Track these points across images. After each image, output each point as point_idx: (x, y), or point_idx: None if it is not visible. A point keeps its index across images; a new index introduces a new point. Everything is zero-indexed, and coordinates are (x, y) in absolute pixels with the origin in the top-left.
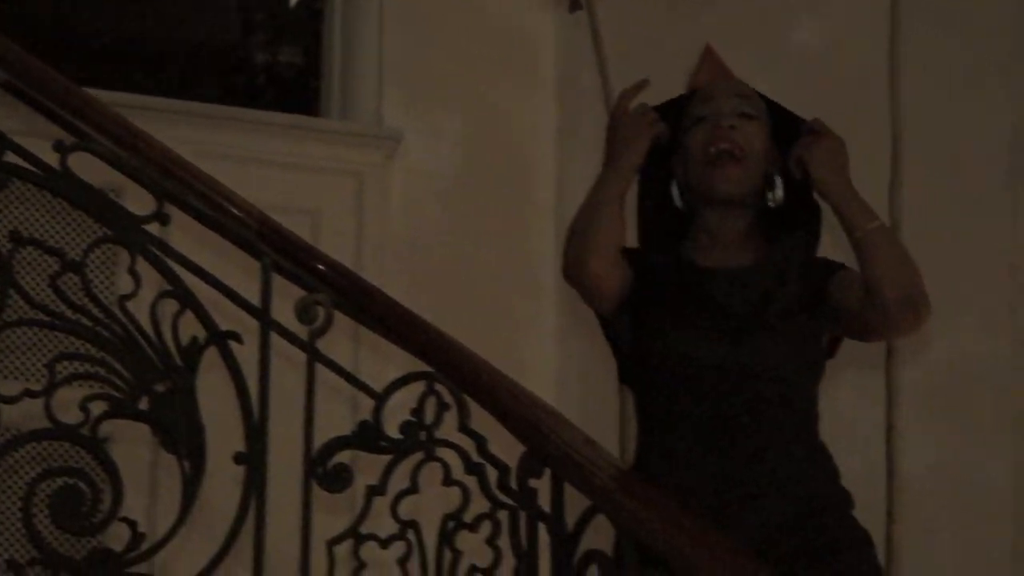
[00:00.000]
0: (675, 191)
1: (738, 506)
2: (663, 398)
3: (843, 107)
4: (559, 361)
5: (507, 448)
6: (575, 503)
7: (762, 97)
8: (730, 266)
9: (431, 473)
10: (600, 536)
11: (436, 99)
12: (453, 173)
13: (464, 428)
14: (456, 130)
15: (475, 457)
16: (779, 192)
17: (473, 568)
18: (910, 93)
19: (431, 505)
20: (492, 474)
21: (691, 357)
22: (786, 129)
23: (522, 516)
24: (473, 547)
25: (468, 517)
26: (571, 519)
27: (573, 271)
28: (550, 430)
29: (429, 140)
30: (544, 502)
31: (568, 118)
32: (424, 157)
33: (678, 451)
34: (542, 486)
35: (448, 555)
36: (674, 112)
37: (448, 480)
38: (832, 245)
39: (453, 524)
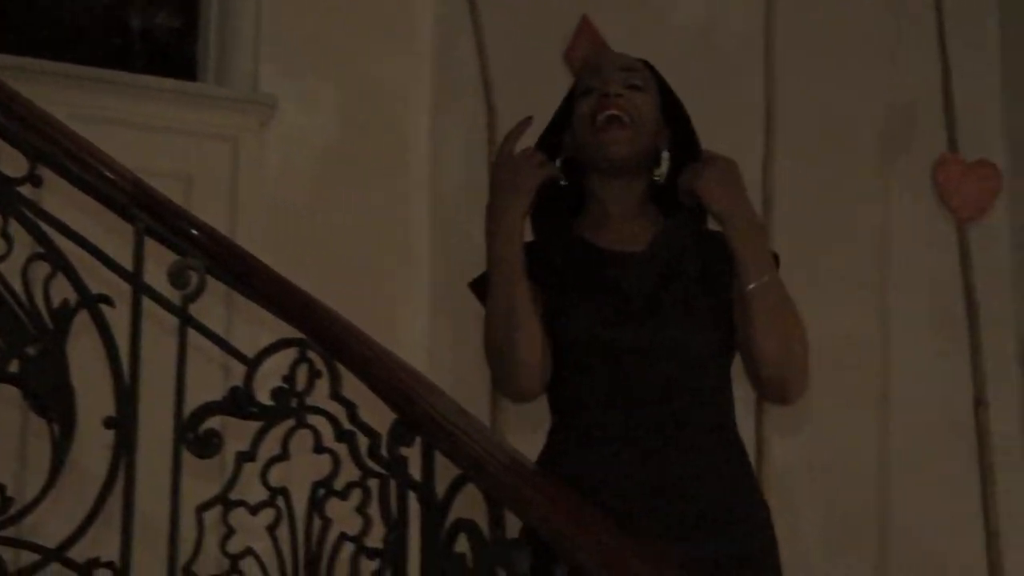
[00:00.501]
0: (558, 166)
1: (653, 496)
2: (573, 383)
3: (719, 84)
4: (431, 330)
5: (379, 416)
6: (446, 472)
7: (652, 72)
8: (627, 248)
9: (302, 440)
10: (471, 506)
11: (312, 66)
12: (328, 140)
13: (335, 395)
14: (332, 97)
15: (346, 425)
16: (665, 166)
17: (343, 536)
18: (785, 71)
19: (301, 472)
20: (363, 442)
21: (598, 339)
22: (673, 107)
23: (392, 484)
24: (343, 515)
25: (338, 485)
26: (442, 488)
27: (505, 393)
28: (421, 398)
29: (305, 107)
30: (415, 470)
31: (444, 87)
32: (299, 124)
33: (592, 436)
34: (413, 454)
35: (318, 522)
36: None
37: (319, 447)
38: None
39: (323, 491)
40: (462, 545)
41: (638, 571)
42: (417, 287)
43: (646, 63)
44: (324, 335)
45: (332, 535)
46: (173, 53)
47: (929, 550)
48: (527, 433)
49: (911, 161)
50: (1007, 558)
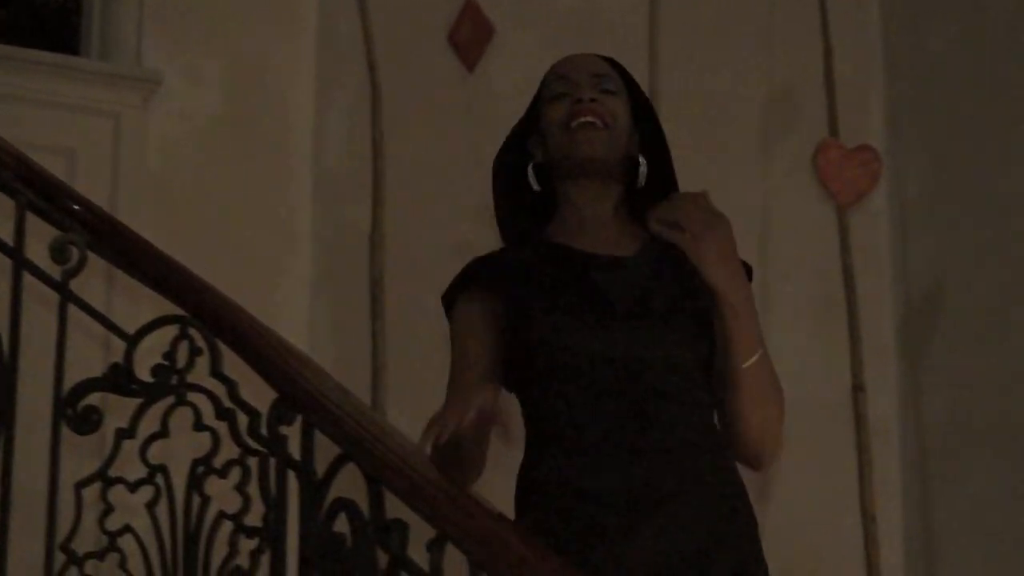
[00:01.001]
0: (531, 173)
1: (638, 510)
2: (552, 392)
3: None
4: (312, 309)
5: (260, 394)
6: (328, 451)
7: (621, 73)
8: (610, 253)
9: (182, 417)
10: (351, 485)
11: (197, 42)
12: (212, 117)
13: (216, 373)
14: (216, 74)
15: (226, 402)
16: (644, 169)
17: (222, 514)
18: (667, 54)
19: (181, 450)
20: (243, 420)
21: (581, 347)
22: (642, 109)
23: (272, 463)
24: (222, 493)
25: (218, 462)
26: (322, 467)
27: None
28: (301, 376)
29: (188, 83)
30: (295, 449)
31: (329, 66)
32: (183, 100)
33: (575, 448)
34: (293, 433)
35: (197, 500)
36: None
37: (199, 425)
38: None
39: (202, 469)
40: (341, 525)
41: (518, 551)
42: (298, 265)
43: (614, 63)
44: (205, 312)
45: (211, 513)
46: (59, 27)
47: (806, 533)
48: (408, 412)
49: (792, 145)
50: (882, 541)
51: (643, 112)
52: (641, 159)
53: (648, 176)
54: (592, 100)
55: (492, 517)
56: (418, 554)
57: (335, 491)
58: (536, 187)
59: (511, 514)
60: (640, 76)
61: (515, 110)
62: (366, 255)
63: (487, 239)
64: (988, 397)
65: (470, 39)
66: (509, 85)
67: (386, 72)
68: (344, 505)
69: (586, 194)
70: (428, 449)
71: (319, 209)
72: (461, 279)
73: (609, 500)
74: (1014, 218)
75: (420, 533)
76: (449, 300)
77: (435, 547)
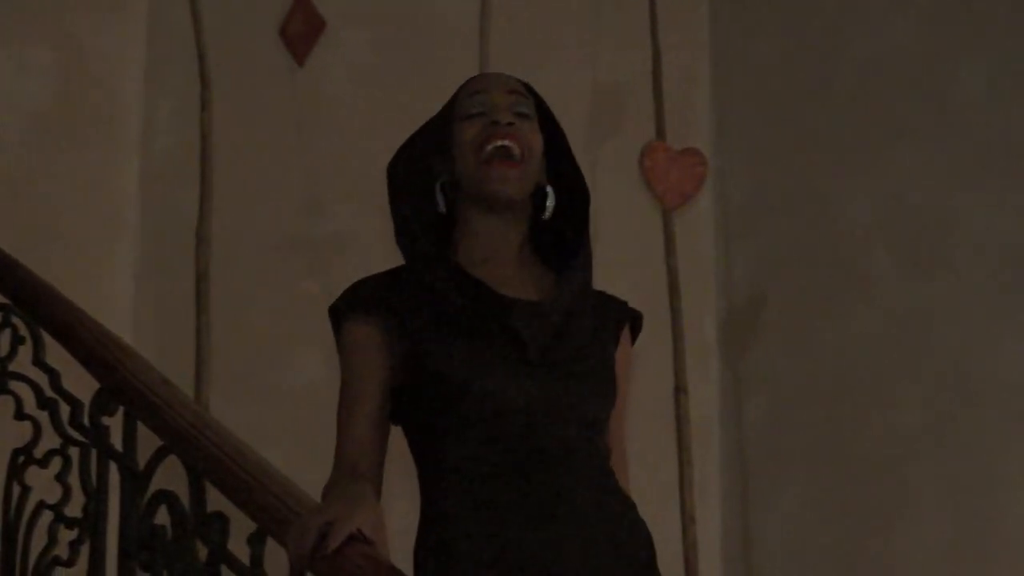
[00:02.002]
0: (439, 194)
1: (562, 563)
2: (454, 438)
3: (434, 57)
4: (137, 300)
5: (82, 385)
6: (150, 443)
7: (533, 96)
8: (525, 296)
9: (3, 406)
10: (176, 477)
11: (24, 30)
12: (39, 105)
13: (38, 362)
14: (44, 62)
15: (48, 392)
16: (551, 201)
17: (41, 504)
18: (498, 52)
19: (1, 439)
20: (65, 410)
21: (490, 394)
22: (553, 134)
23: (93, 453)
24: (43, 483)
25: (39, 452)
26: (144, 459)
27: None
28: (124, 367)
29: (16, 71)
30: (117, 440)
31: (158, 56)
32: (10, 88)
33: (478, 502)
34: (115, 424)
35: (16, 490)
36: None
37: (20, 414)
38: None
39: (23, 459)
40: (163, 517)
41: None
42: (123, 255)
43: (528, 87)
44: (27, 300)
45: (31, 503)
46: None
47: None
48: (231, 406)
49: (618, 146)
50: (701, 541)
51: (555, 138)
52: (549, 190)
53: (557, 206)
54: (509, 124)
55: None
56: (239, 548)
57: (158, 483)
58: (443, 209)
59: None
60: (469, 69)
61: (345, 104)
62: (192, 247)
63: (314, 234)
64: (806, 400)
65: (301, 33)
66: (339, 80)
67: (216, 63)
68: (165, 497)
69: (491, 228)
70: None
71: (146, 200)
72: (355, 296)
73: (518, 560)
74: (834, 225)
75: (242, 527)
76: (339, 316)
77: (256, 541)
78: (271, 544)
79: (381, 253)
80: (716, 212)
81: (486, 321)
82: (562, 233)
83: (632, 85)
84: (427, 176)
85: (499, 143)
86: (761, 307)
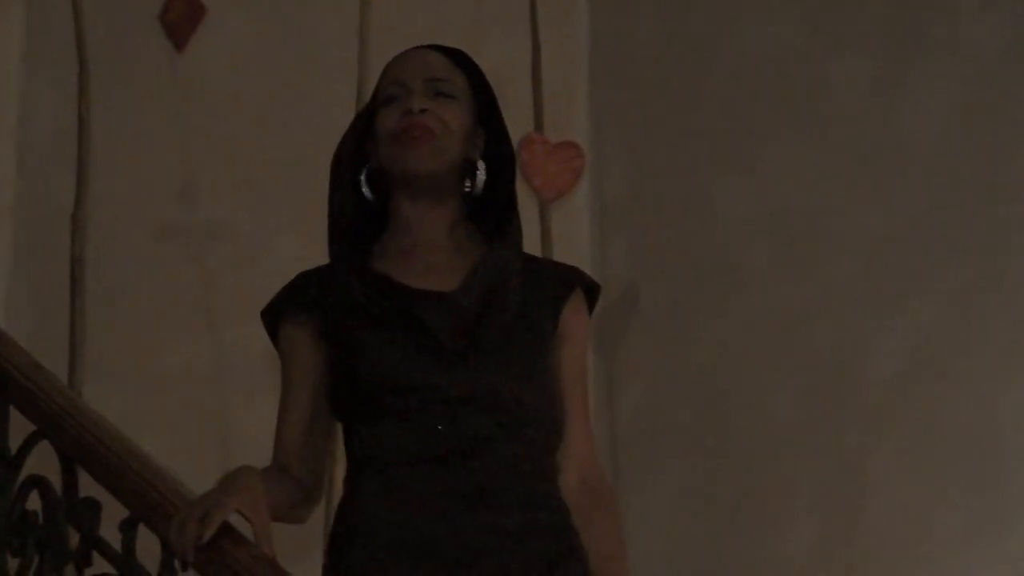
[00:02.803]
0: (363, 181)
1: (477, 553)
2: (374, 429)
3: (314, 45)
4: (11, 284)
5: None
6: (22, 428)
7: (465, 68)
8: (436, 284)
9: None
10: (45, 462)
11: None
12: None
13: None
14: None
15: None
16: (481, 177)
17: None
18: (378, 41)
19: None
20: None
21: (403, 383)
22: (488, 107)
23: None
24: None
25: None
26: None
27: None
28: None
29: None
30: None
31: (36, 38)
32: None
33: (394, 494)
34: None
35: None
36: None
37: None
38: None
39: None
40: (34, 502)
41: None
42: None
43: (459, 59)
44: None
45: None
46: None
47: None
48: (105, 392)
49: None
50: None
51: (489, 112)
52: (480, 164)
53: (489, 181)
54: (422, 111)
55: (185, 499)
56: (111, 534)
57: (30, 468)
58: (369, 195)
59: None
60: (349, 59)
61: (224, 91)
62: (68, 232)
63: (191, 221)
64: (679, 394)
65: (181, 19)
66: (219, 66)
67: (95, 49)
68: (36, 482)
69: (419, 211)
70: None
71: (22, 184)
72: (287, 298)
73: (431, 554)
74: (710, 220)
75: (115, 513)
76: (273, 318)
77: (128, 527)
78: (143, 530)
79: (258, 240)
80: (593, 206)
81: (392, 313)
82: (495, 207)
83: (511, 77)
84: (351, 162)
85: (412, 132)
86: (636, 301)
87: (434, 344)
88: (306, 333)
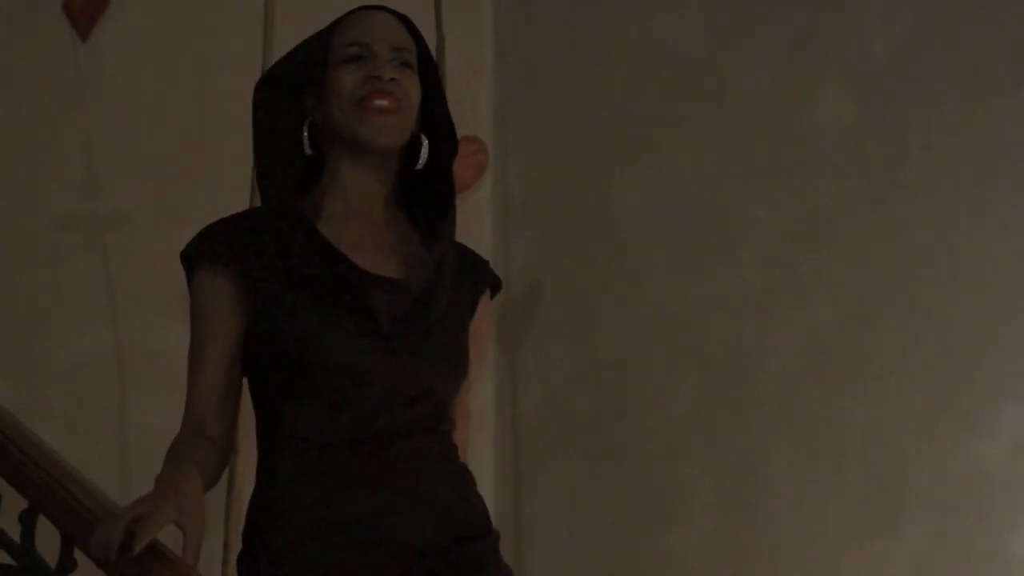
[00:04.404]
0: (306, 136)
1: (390, 531)
2: (296, 406)
3: (219, 35)
4: None
5: None
6: None
7: (415, 38)
8: (381, 269)
9: None
10: None
11: None
12: None
13: None
14: None
15: None
16: (425, 152)
17: None
18: (284, 28)
19: None
20: None
21: (344, 366)
22: (428, 78)
23: None
24: None
25: None
26: None
27: None
28: None
29: None
30: None
31: None
32: None
33: (322, 472)
34: None
35: None
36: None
37: None
38: None
39: None
40: None
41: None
42: None
43: (412, 27)
44: None
45: None
46: None
47: None
48: (5, 381)
49: None
50: None
51: (429, 83)
52: (424, 139)
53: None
54: (391, 79)
55: (85, 491)
56: (10, 525)
57: None
58: (308, 151)
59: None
60: (254, 50)
61: (128, 81)
62: None
63: (92, 210)
64: (580, 389)
65: (84, 8)
66: (122, 56)
67: None
68: None
69: (359, 178)
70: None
71: None
72: (206, 243)
73: (352, 521)
74: (612, 216)
75: (14, 504)
76: (190, 263)
77: (27, 518)
78: (43, 521)
79: (160, 232)
80: (496, 201)
81: (341, 292)
82: (428, 185)
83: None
84: (296, 113)
85: (379, 102)
86: (538, 296)
87: (373, 327)
88: (228, 284)
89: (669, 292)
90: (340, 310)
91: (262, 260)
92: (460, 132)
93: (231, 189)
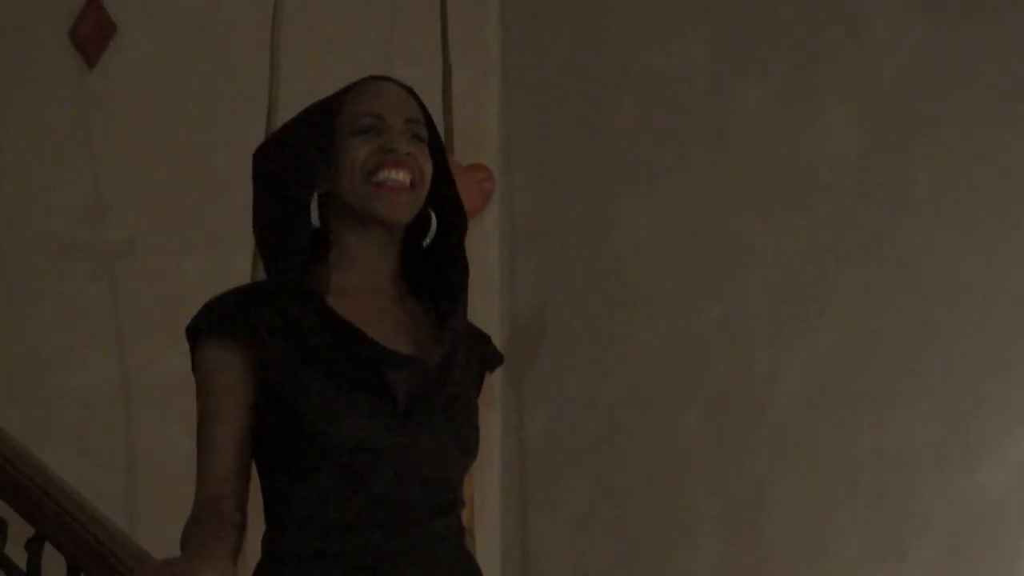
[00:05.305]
0: (315, 208)
1: None
2: (322, 494)
3: (225, 64)
4: None
5: None
6: None
7: (424, 112)
8: (396, 345)
9: None
10: None
11: None
12: None
13: None
14: None
15: None
16: (433, 227)
17: None
18: (288, 60)
19: None
20: None
21: (359, 444)
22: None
23: None
24: None
25: None
26: None
27: None
28: None
29: None
30: None
31: None
32: None
33: (332, 554)
34: None
35: None
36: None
37: None
38: None
39: None
40: None
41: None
42: None
43: (420, 100)
44: None
45: None
46: None
47: None
48: (12, 407)
49: None
50: (480, 557)
51: (437, 158)
52: (432, 215)
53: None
54: (407, 154)
55: (92, 518)
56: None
57: None
58: (317, 223)
59: None
60: (259, 79)
61: (134, 109)
62: None
63: (99, 237)
64: (587, 417)
65: (91, 35)
66: (129, 83)
67: (4, 64)
68: None
69: (369, 252)
70: None
71: None
72: (214, 316)
73: None
74: (617, 244)
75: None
76: (197, 337)
77: (34, 545)
78: (49, 548)
79: (166, 259)
80: (502, 229)
81: (357, 369)
82: (437, 259)
83: (423, 99)
84: (303, 184)
85: (395, 176)
86: (544, 325)
87: (390, 405)
88: (238, 358)
89: (675, 319)
90: (356, 387)
91: (273, 335)
92: (466, 159)
93: (237, 217)
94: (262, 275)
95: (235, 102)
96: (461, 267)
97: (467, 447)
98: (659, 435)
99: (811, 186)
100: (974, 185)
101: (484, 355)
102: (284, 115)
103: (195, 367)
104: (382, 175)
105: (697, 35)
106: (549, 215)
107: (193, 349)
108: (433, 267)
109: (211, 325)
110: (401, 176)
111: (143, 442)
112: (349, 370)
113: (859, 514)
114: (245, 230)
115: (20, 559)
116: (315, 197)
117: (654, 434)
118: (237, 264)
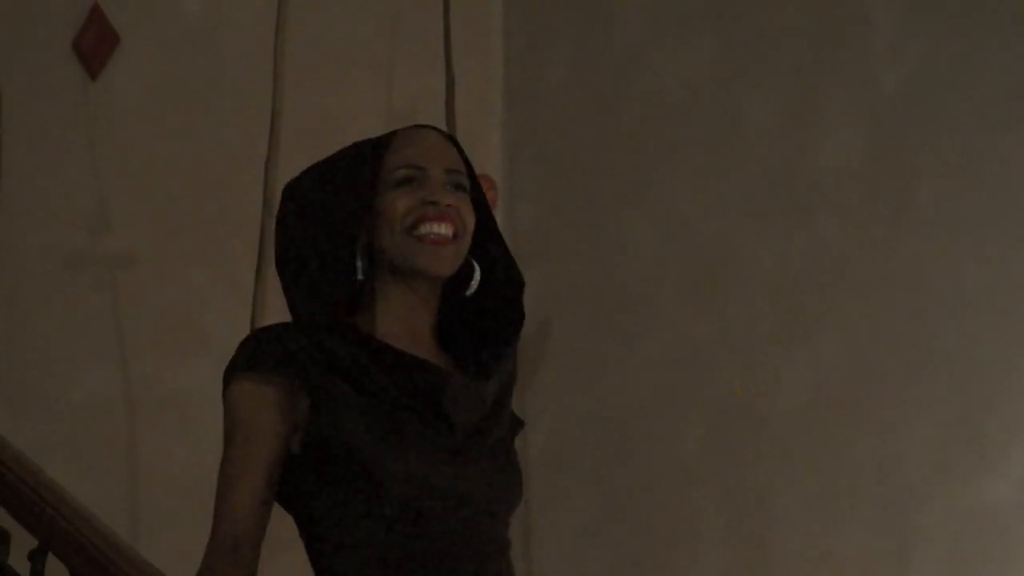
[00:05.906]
0: (360, 261)
1: None
2: (368, 524)
3: (228, 75)
4: None
5: None
6: None
7: (464, 159)
8: (459, 374)
9: None
10: None
11: None
12: None
13: None
14: None
15: None
16: (476, 279)
17: None
18: (291, 72)
19: None
20: None
21: (416, 479)
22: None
23: None
24: None
25: None
26: None
27: None
28: None
29: None
30: None
31: None
32: None
33: None
34: None
35: None
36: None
37: None
38: None
39: None
40: None
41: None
42: None
43: (460, 148)
44: None
45: None
46: None
47: None
48: (14, 419)
49: None
50: None
51: (480, 207)
52: (475, 265)
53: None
54: (448, 206)
55: (95, 529)
56: (20, 563)
57: None
58: (361, 276)
59: None
60: (263, 89)
61: (137, 120)
62: None
63: (101, 250)
64: (590, 427)
65: (94, 46)
66: (132, 94)
67: (7, 76)
68: None
69: (411, 303)
70: None
71: None
72: (256, 351)
73: None
74: (621, 253)
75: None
76: (234, 371)
77: (37, 556)
78: (52, 559)
79: (170, 271)
80: (506, 238)
81: (412, 396)
82: (481, 312)
83: (426, 110)
84: (345, 236)
85: (437, 230)
86: (547, 335)
87: (445, 437)
88: (275, 393)
89: (678, 330)
90: (407, 416)
91: (317, 369)
92: None
93: (240, 228)
94: (266, 289)
95: (238, 113)
96: (518, 316)
97: (516, 489)
98: (662, 445)
99: (814, 197)
100: (977, 196)
101: (513, 389)
102: (287, 126)
103: (227, 402)
104: (424, 228)
105: (700, 47)
106: (552, 226)
107: (227, 384)
108: (474, 316)
109: (250, 360)
110: (443, 229)
111: (146, 453)
112: (403, 400)
113: (862, 525)
114: (248, 242)
115: (23, 570)
116: (359, 250)
117: (657, 444)
118: (240, 276)
